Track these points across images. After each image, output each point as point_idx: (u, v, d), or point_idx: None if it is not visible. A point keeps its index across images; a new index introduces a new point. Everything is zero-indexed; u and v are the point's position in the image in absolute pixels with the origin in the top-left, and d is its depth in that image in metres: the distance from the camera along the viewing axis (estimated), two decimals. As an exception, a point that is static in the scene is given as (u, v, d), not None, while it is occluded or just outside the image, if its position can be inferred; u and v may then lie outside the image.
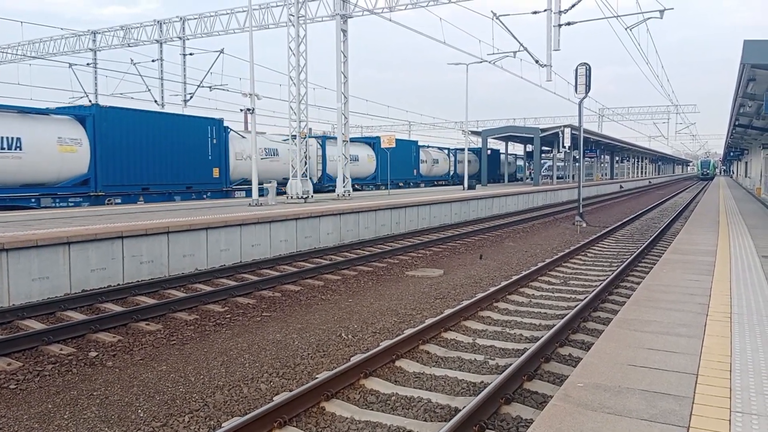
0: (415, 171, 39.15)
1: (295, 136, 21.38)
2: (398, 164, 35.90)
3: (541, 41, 21.00)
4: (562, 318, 7.78)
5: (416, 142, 40.90)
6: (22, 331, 7.66)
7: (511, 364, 5.96)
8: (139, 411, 5.27)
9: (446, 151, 46.24)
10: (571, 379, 3.81)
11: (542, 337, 6.81)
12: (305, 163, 22.25)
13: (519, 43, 23.53)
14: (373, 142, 35.15)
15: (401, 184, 37.56)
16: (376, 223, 17.86)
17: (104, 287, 9.97)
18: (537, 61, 23.58)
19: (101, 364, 6.57)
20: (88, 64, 32.09)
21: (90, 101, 32.28)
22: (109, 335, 7.50)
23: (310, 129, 28.81)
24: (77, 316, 8.35)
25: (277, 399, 5.18)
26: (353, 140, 33.09)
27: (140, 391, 5.75)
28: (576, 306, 8.42)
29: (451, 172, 46.51)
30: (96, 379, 6.11)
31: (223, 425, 4.81)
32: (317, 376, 5.99)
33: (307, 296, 9.95)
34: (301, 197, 21.09)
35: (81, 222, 12.07)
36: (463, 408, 4.82)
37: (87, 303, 9.03)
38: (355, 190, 29.63)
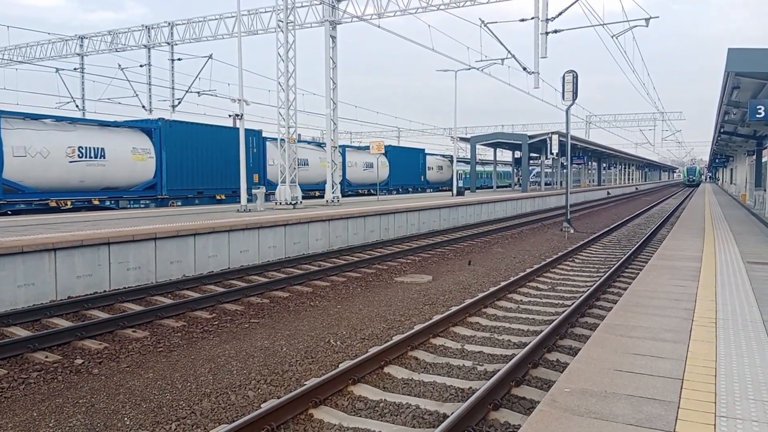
0: (256, 177, 26.58)
1: (284, 140, 21.35)
2: (210, 167, 24.50)
3: (529, 49, 21.19)
4: (550, 324, 7.82)
5: (260, 131, 27.24)
6: (7, 338, 7.56)
7: (499, 370, 5.98)
8: (126, 419, 5.22)
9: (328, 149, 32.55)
10: (558, 384, 3.84)
11: (530, 342, 6.84)
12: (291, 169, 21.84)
13: (507, 50, 23.70)
14: (152, 128, 22.83)
15: (221, 196, 25.18)
16: (365, 229, 17.86)
17: (90, 294, 9.88)
18: (525, 69, 23.77)
19: (87, 371, 6.50)
20: (75, 69, 31.87)
21: (77, 107, 32.10)
22: (95, 342, 7.43)
23: (299, 135, 28.29)
24: (63, 323, 8.26)
25: (265, 406, 5.16)
26: (106, 124, 21.87)
27: (127, 398, 5.70)
28: (563, 312, 8.47)
29: (339, 179, 33.45)
30: (82, 386, 6.05)
31: (210, 433, 4.78)
32: (305, 382, 5.97)
33: (296, 303, 9.92)
34: (290, 203, 21.05)
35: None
36: (452, 414, 4.82)
37: (73, 310, 8.94)
38: (99, 207, 20.33)
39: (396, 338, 7.20)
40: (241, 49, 19.17)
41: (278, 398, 5.44)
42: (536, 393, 5.59)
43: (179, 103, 30.29)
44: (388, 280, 12.01)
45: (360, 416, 5.19)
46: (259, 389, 5.92)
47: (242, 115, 19.45)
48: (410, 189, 41.16)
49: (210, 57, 28.56)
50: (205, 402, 5.58)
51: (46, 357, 6.86)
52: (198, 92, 29.95)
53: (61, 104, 31.99)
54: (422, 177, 38.83)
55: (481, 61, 25.93)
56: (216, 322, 8.55)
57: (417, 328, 7.58)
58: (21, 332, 7.81)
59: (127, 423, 5.13)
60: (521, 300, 9.98)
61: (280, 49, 21.37)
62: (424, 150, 41.50)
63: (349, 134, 71.33)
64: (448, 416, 4.91)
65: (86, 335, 7.60)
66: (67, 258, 9.76)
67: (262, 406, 5.37)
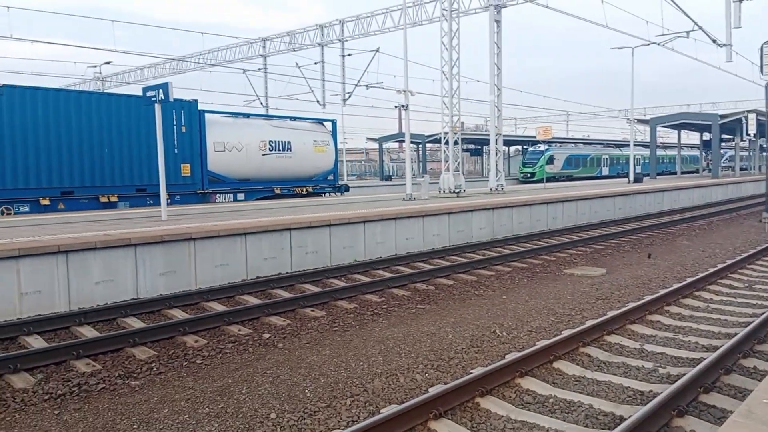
0: (186, 169, 20.02)
1: (447, 132, 21.47)
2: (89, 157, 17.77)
3: (719, 19, 18.88)
4: (747, 326, 6.95)
5: (194, 102, 20.32)
6: (206, 311, 8.60)
7: (684, 374, 5.46)
8: (306, 391, 5.66)
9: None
10: (755, 394, 3.40)
11: (722, 346, 6.15)
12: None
13: (693, 21, 21.38)
14: None
15: (108, 198, 18.17)
16: (531, 218, 17.34)
17: (275, 275, 10.83)
18: (714, 41, 21.27)
19: (273, 345, 7.16)
20: (259, 69, 34.97)
21: (261, 104, 35.22)
22: (279, 319, 8.15)
23: (462, 123, 28.16)
24: (253, 300, 9.18)
25: (433, 390, 5.26)
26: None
27: (307, 372, 6.18)
28: (763, 313, 7.48)
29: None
30: (269, 358, 6.68)
31: (381, 411, 5.00)
32: (471, 371, 5.98)
33: (460, 291, 9.97)
34: (454, 192, 21.16)
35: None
36: (629, 417, 4.52)
37: (261, 288, 9.88)
38: None
39: (566, 332, 6.91)
40: (407, 41, 19.57)
41: (445, 384, 5.52)
42: (729, 402, 5.02)
43: (349, 96, 31.87)
44: (556, 272, 11.56)
45: (528, 410, 5.08)
46: (426, 373, 6.06)
47: (407, 105, 19.91)
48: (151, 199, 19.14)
49: (377, 51, 29.62)
50: (376, 381, 5.85)
51: (239, 330, 7.67)
52: (366, 85, 31.27)
53: (248, 102, 35.40)
54: (196, 168, 20.40)
55: (663, 35, 23.72)
56: (385, 306, 8.91)
57: (589, 323, 7.21)
58: (218, 307, 8.82)
59: (308, 395, 5.56)
60: (711, 299, 9.00)
61: (444, 38, 21.47)
62: (192, 102, 20.17)
63: (513, 120, 69.65)
64: (626, 419, 4.61)
65: (272, 312, 8.36)
66: (256, 242, 10.81)
67: (429, 390, 5.49)
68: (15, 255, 8.07)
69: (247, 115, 24.50)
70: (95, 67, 41.51)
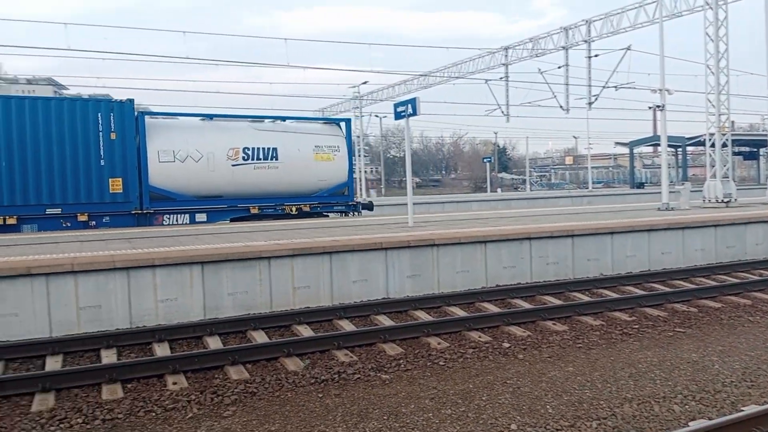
0: (117, 183, 16.47)
1: (713, 135, 18.95)
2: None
3: None
4: None
5: (128, 102, 16.80)
6: (448, 316, 8.89)
7: None
8: (548, 407, 5.49)
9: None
10: None
11: None
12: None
13: None
14: None
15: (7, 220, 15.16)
16: (828, 233, 14.30)
17: (514, 284, 10.73)
18: None
19: (513, 355, 7.11)
20: (500, 78, 35.13)
21: (503, 113, 35.37)
22: (519, 329, 8.06)
23: (732, 122, 24.52)
24: (492, 308, 9.23)
25: (694, 425, 4.68)
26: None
27: (548, 387, 5.99)
28: None
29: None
30: (509, 368, 6.64)
31: (632, 440, 4.62)
32: (743, 408, 5.17)
33: (730, 315, 8.69)
34: (722, 201, 18.58)
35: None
36: None
37: (499, 297, 9.88)
38: None
39: None
40: (663, 35, 17.83)
41: (709, 419, 4.87)
42: None
43: (596, 99, 30.17)
44: None
45: (824, 466, 4.20)
46: (686, 405, 5.42)
47: (664, 105, 18.11)
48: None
49: (628, 48, 27.53)
50: (626, 407, 5.41)
51: (479, 336, 7.78)
52: (615, 86, 29.26)
53: (489, 111, 35.85)
54: (131, 182, 16.75)
55: None
56: (636, 326, 8.20)
57: None
58: (459, 312, 9.06)
59: (550, 411, 5.39)
60: None
61: (708, 28, 19.07)
62: (125, 103, 16.88)
63: (802, 116, 58.45)
64: None
65: (512, 321, 8.31)
66: (495, 250, 10.86)
67: (689, 424, 4.89)
68: (290, 254, 9.39)
69: (211, 117, 19.05)
70: (354, 87, 46.32)
